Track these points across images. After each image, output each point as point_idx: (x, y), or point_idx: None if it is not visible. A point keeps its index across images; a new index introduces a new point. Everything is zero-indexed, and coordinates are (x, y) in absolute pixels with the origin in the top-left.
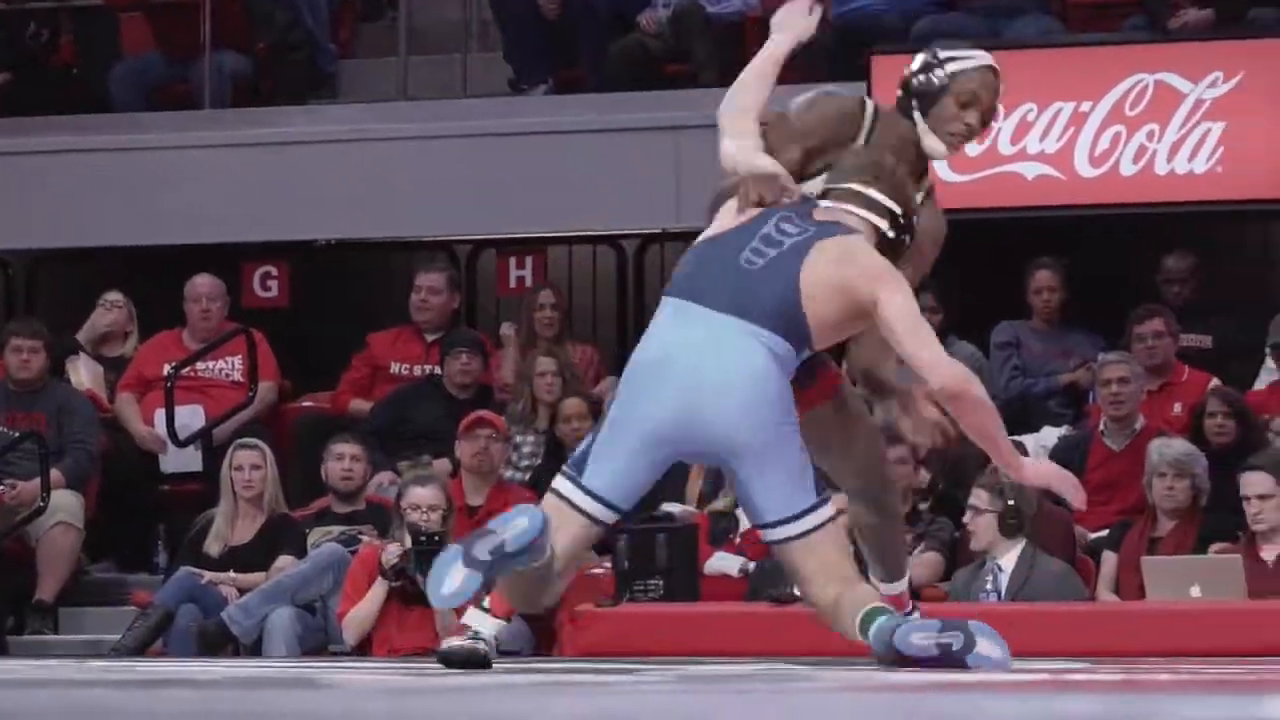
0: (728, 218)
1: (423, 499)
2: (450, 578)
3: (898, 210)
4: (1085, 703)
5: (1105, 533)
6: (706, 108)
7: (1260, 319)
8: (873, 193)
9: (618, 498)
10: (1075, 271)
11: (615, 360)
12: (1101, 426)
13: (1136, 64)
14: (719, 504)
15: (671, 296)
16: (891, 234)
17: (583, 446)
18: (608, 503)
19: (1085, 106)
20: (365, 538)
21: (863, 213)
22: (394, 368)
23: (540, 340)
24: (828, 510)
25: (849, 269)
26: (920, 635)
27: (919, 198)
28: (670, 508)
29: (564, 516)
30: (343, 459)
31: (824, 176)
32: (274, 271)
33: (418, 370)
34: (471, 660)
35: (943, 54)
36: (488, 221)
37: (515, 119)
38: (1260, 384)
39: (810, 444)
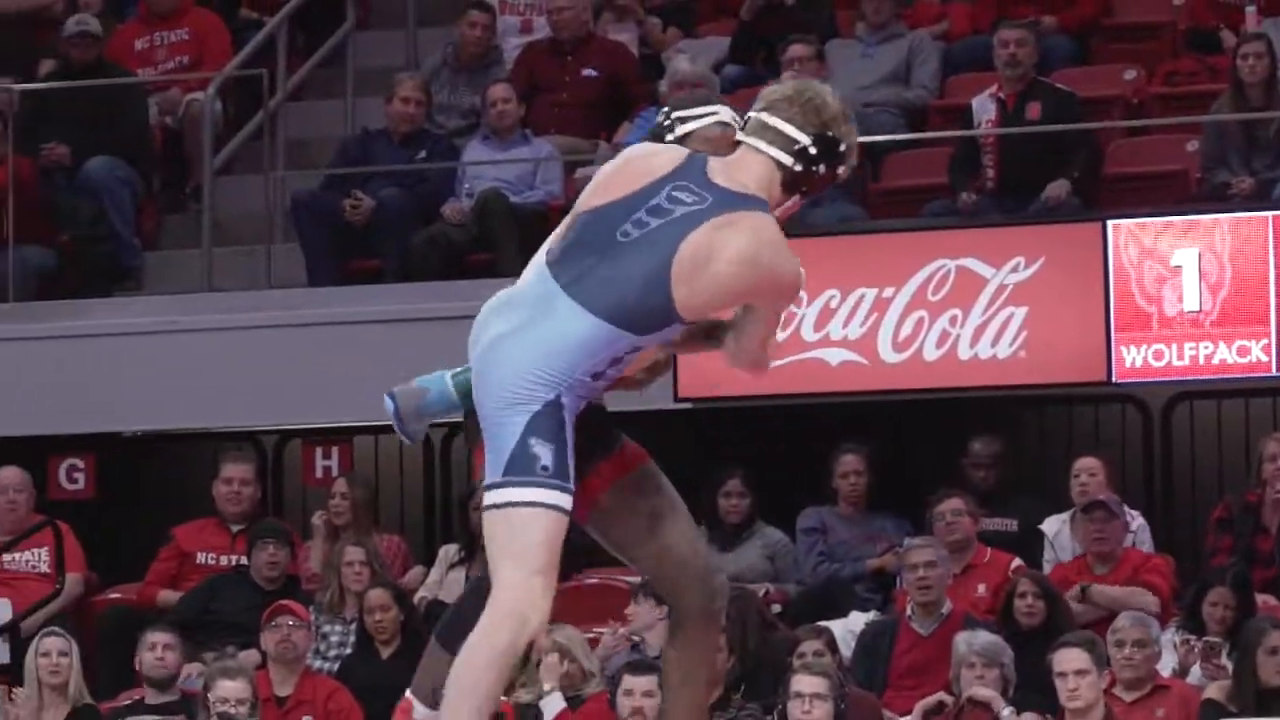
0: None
1: (230, 692)
2: None
3: (803, 140)
4: None
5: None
6: None
7: (1065, 503)
8: (777, 122)
9: None
10: (880, 456)
11: (423, 549)
12: (909, 611)
13: (938, 249)
14: (524, 694)
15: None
16: (798, 168)
17: None
18: None
19: (888, 292)
20: None
21: (766, 149)
22: (200, 558)
23: (341, 530)
24: (516, 493)
25: (745, 268)
26: None
27: None
28: None
29: None
30: (155, 648)
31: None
32: (80, 464)
33: (224, 560)
34: None
35: (675, 113)
36: (294, 411)
37: (318, 309)
38: (1046, 557)
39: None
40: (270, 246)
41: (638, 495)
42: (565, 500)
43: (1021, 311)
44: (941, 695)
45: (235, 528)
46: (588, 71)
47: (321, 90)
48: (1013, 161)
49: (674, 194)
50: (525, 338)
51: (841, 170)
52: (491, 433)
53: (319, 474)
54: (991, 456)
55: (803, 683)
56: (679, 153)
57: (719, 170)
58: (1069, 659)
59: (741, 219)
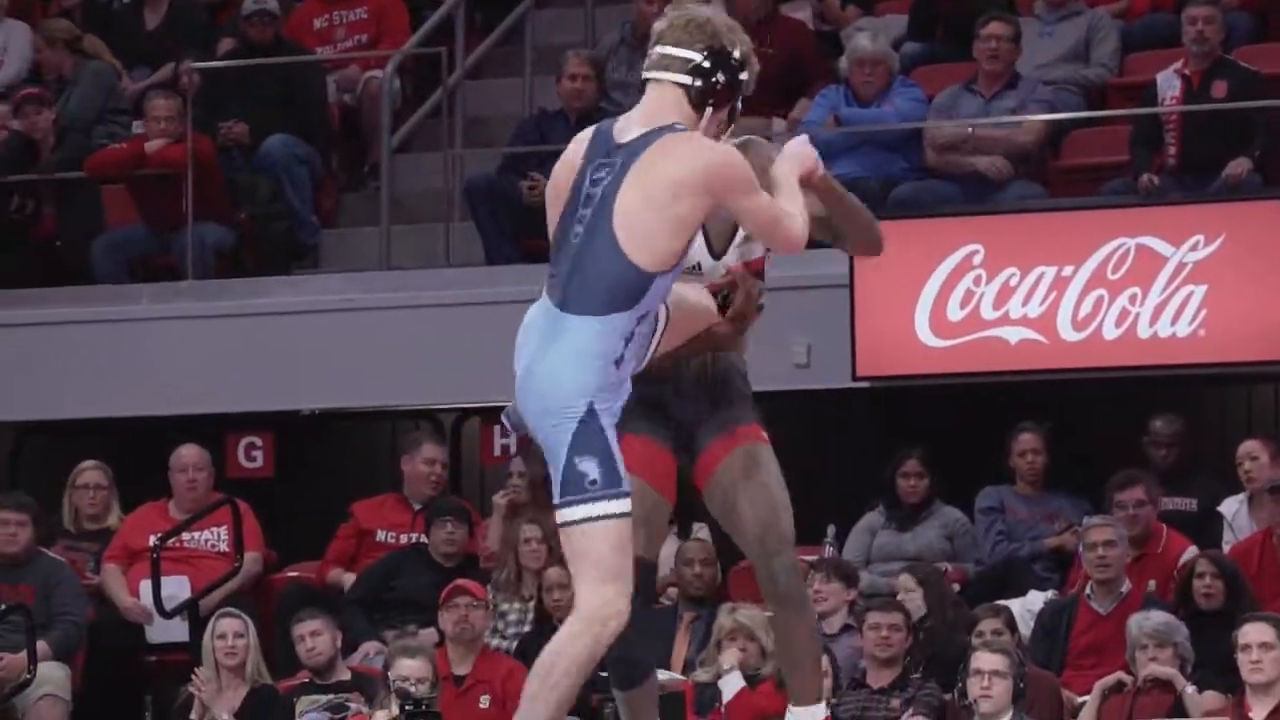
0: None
1: (411, 671)
2: None
3: (695, 56)
4: None
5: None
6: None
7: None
8: (669, 49)
9: None
10: (1059, 435)
11: None
12: (1088, 590)
13: (1118, 228)
14: (702, 674)
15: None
16: (698, 83)
17: None
18: None
19: (1067, 271)
20: (353, 706)
21: (665, 76)
22: (380, 535)
23: (520, 508)
24: (571, 512)
25: (677, 191)
26: None
27: None
28: (659, 674)
29: None
30: (303, 639)
31: None
32: (258, 442)
33: (404, 538)
34: None
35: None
36: (472, 389)
37: (496, 288)
38: (1226, 539)
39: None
40: (449, 225)
41: (731, 473)
42: (618, 505)
43: (1201, 290)
44: (1120, 674)
45: (416, 505)
46: (766, 50)
47: (499, 68)
48: (1195, 139)
49: (594, 176)
50: (545, 364)
51: (743, 76)
52: (548, 457)
53: (497, 452)
54: (1173, 435)
55: (982, 660)
56: (586, 134)
57: (624, 126)
58: (1254, 632)
59: (646, 159)
